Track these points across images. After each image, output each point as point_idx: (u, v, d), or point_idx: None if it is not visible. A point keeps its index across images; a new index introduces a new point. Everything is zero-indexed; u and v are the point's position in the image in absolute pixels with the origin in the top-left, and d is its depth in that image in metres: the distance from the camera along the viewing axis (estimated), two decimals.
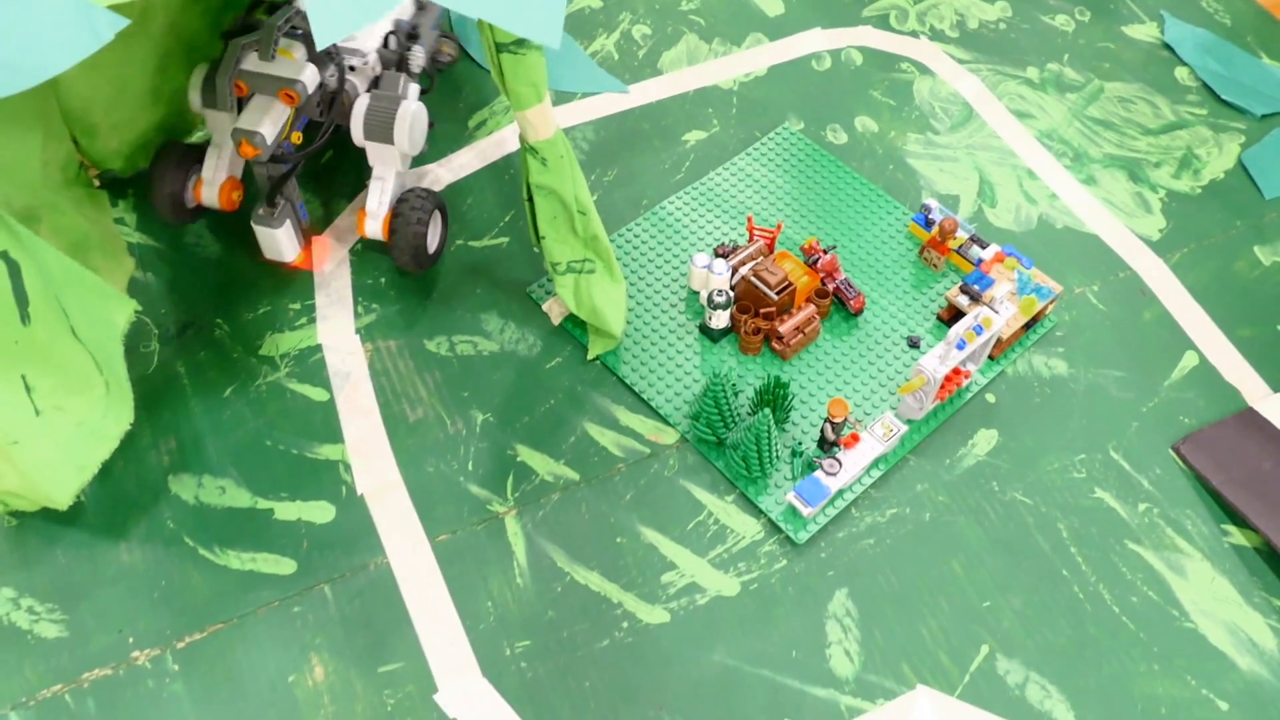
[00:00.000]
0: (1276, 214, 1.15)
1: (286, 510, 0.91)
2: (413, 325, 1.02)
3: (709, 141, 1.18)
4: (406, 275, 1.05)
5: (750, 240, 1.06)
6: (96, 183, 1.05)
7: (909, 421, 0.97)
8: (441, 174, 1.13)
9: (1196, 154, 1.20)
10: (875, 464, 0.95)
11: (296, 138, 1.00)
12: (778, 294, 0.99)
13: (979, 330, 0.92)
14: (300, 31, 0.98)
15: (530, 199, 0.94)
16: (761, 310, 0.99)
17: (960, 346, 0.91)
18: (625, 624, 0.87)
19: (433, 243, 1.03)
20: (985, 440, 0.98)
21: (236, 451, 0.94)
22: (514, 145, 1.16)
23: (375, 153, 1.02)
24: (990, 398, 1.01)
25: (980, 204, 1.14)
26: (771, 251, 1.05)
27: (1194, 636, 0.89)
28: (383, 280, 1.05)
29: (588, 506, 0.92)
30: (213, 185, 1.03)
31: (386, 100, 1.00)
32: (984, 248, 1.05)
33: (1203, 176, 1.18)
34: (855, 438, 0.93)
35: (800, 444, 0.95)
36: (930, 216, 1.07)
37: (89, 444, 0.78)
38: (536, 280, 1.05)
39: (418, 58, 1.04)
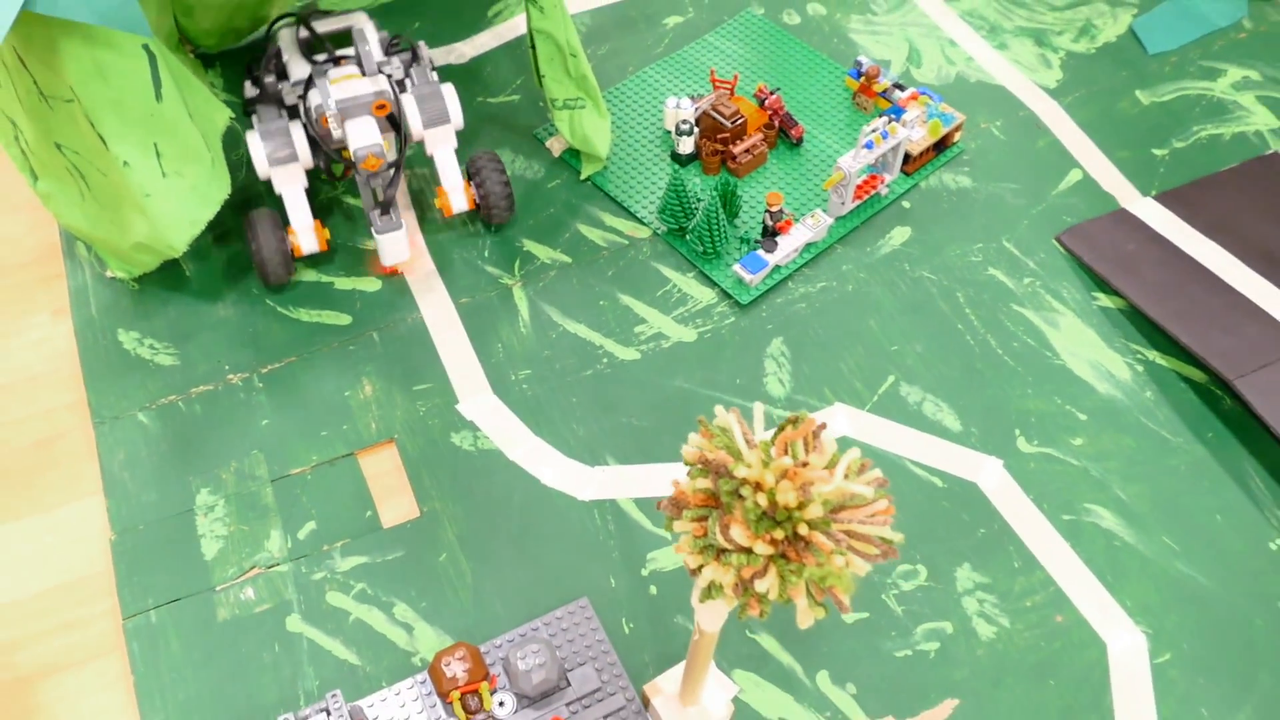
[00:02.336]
0: (1157, 65, 1.37)
1: (343, 283, 1.16)
2: None
3: (685, 24, 1.43)
4: None
5: (715, 90, 1.30)
6: (191, 55, 1.33)
7: (837, 219, 1.20)
8: (465, 50, 1.39)
9: (1095, 24, 1.42)
10: (808, 249, 1.18)
11: (386, 144, 1.12)
12: (732, 123, 1.22)
13: (885, 135, 1.15)
14: (331, 58, 1.15)
15: (533, 45, 1.19)
16: (719, 136, 1.23)
17: (868, 146, 1.14)
18: (605, 360, 1.11)
19: None
20: (900, 235, 1.21)
21: None
22: (525, 29, 1.42)
23: (433, 137, 1.15)
24: (906, 204, 1.23)
25: (908, 66, 1.37)
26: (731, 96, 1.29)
27: (1063, 370, 1.11)
28: None
29: (578, 280, 1.17)
30: (308, 231, 1.13)
31: (429, 89, 1.14)
32: (903, 90, 1.28)
33: (1098, 40, 1.40)
34: (789, 223, 1.16)
35: (747, 233, 1.18)
36: (862, 70, 1.31)
37: (199, 204, 1.04)
38: (541, 125, 1.31)
39: (424, 50, 1.19)
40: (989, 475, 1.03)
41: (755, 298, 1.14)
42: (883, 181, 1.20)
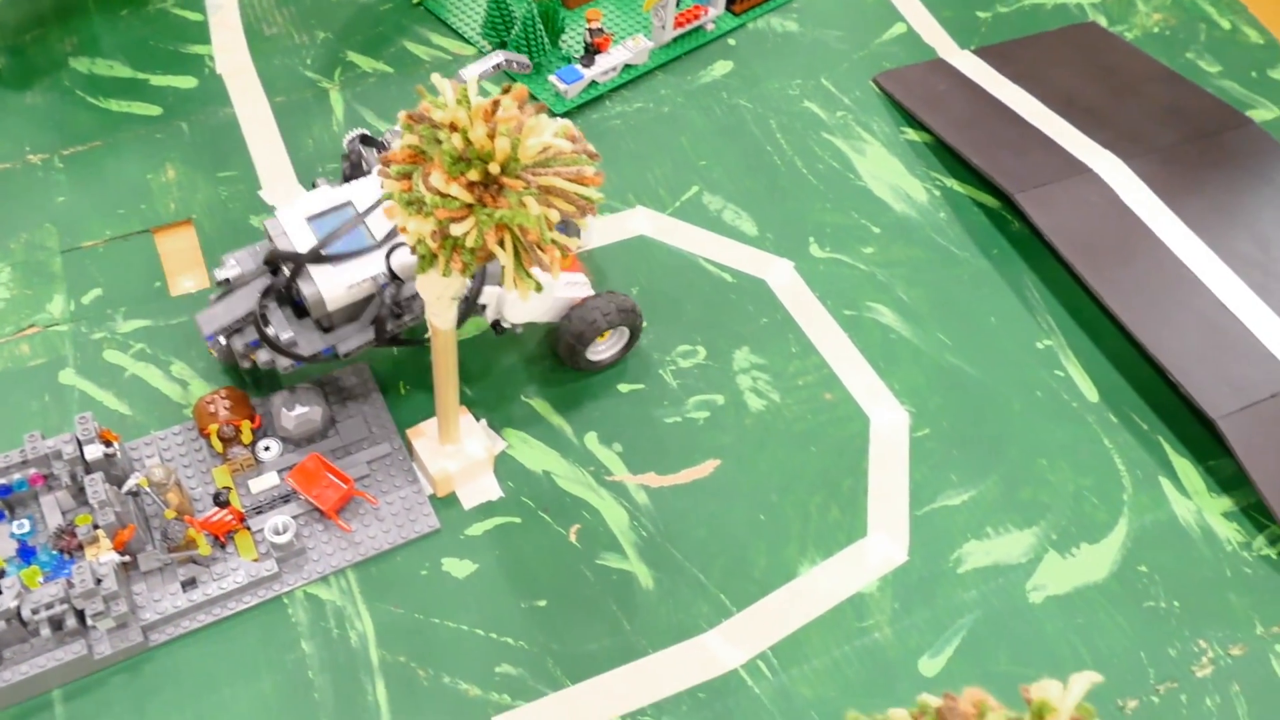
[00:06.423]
0: None
1: (160, 79, 1.16)
2: None
3: None
4: None
5: None
6: None
7: (659, 46, 1.22)
8: None
9: None
10: (627, 70, 1.20)
11: None
12: None
13: None
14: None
15: None
16: None
17: None
18: None
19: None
20: (722, 67, 1.24)
21: (125, 40, 1.19)
22: None
23: None
24: (731, 41, 1.26)
25: None
26: None
27: (863, 191, 1.14)
28: None
29: (397, 88, 1.17)
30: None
31: None
32: None
33: None
34: (608, 40, 1.18)
35: (569, 53, 1.20)
36: None
37: None
38: None
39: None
40: (779, 274, 1.06)
41: (570, 110, 1.16)
42: (705, 13, 1.23)
